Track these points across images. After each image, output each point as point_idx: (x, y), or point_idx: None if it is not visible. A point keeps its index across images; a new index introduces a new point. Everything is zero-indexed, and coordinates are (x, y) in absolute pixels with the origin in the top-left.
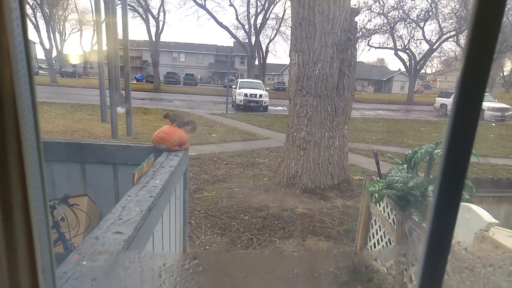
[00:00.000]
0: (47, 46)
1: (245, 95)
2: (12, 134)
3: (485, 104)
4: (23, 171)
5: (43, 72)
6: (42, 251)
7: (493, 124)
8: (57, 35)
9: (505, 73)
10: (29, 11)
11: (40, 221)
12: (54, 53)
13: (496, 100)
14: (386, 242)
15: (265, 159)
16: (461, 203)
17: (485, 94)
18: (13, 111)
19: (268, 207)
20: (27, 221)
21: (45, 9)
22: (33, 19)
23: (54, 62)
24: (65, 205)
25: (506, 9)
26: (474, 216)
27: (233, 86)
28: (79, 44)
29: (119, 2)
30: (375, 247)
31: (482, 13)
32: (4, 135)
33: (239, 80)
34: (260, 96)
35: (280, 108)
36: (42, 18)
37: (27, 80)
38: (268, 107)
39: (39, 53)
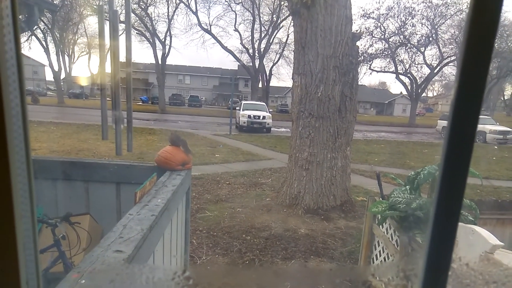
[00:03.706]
0: (56, 68)
1: (249, 116)
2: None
3: (487, 127)
4: (9, 187)
5: (51, 93)
6: (28, 262)
7: (496, 147)
8: (66, 58)
9: (505, 97)
10: (39, 35)
11: (26, 231)
12: (63, 75)
13: (497, 123)
14: None
15: (267, 180)
16: (465, 225)
17: (487, 117)
18: (1, 125)
19: (271, 227)
20: (11, 232)
21: (56, 33)
22: (43, 42)
23: (62, 83)
24: (66, 223)
25: (506, 35)
26: (478, 238)
27: (237, 108)
28: (87, 67)
29: (123, 27)
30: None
31: (474, 34)
32: None
33: (243, 102)
34: (264, 117)
35: (283, 129)
36: (52, 41)
37: (18, 96)
38: (271, 129)
39: (48, 75)
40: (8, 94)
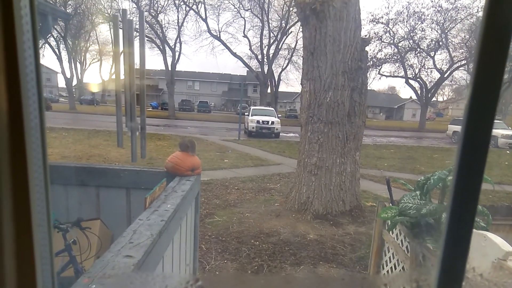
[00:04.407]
0: (68, 75)
1: (258, 122)
2: (19, 154)
3: (499, 132)
4: (28, 196)
5: (63, 99)
6: (44, 271)
7: (508, 152)
8: (78, 65)
9: None
10: (53, 43)
11: (42, 239)
12: (74, 82)
13: (509, 127)
14: (400, 270)
15: (276, 185)
16: (477, 231)
17: (499, 121)
18: (21, 132)
19: (279, 232)
20: (29, 240)
21: (68, 41)
22: (56, 50)
23: (74, 90)
24: (77, 228)
25: None
26: (490, 245)
27: (245, 113)
28: (99, 73)
29: (137, 35)
30: (388, 275)
31: (489, 38)
32: (11, 156)
33: (252, 107)
34: (272, 123)
35: (291, 134)
36: (65, 49)
37: (37, 107)
38: (280, 134)
39: (60, 82)
40: (28, 107)
